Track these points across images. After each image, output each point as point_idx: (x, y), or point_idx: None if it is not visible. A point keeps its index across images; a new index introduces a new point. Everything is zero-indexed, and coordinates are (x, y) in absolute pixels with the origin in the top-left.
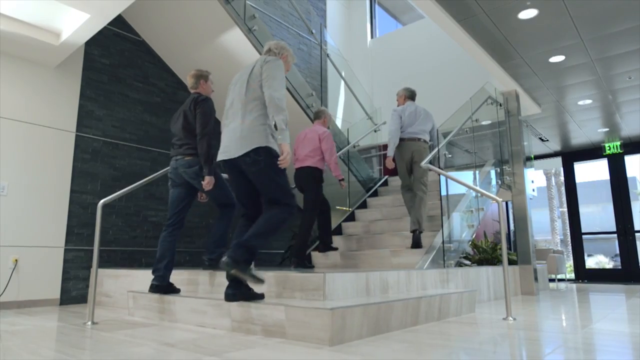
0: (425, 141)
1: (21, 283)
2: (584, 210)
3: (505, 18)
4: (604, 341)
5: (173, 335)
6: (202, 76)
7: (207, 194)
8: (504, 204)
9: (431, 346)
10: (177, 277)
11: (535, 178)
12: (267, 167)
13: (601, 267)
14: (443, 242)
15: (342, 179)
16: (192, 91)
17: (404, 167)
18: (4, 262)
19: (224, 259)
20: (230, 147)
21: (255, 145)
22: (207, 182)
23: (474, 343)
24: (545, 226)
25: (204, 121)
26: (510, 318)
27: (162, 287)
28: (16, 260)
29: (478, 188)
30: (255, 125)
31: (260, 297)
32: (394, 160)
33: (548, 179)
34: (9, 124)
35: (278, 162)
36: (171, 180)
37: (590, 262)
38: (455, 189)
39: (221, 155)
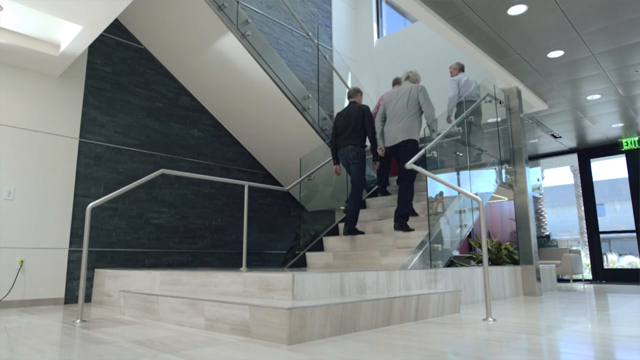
0: (476, 101)
1: (27, 283)
2: (615, 207)
3: (495, 14)
4: (564, 343)
5: (149, 333)
6: (359, 91)
7: (352, 173)
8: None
9: (388, 346)
10: (165, 277)
11: (555, 175)
12: (412, 151)
13: (634, 267)
14: (430, 242)
15: None
16: (349, 99)
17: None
18: (10, 263)
19: (396, 226)
20: (396, 138)
21: (409, 137)
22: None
23: (434, 343)
24: (574, 225)
25: (373, 127)
26: (490, 319)
27: (352, 230)
28: (22, 261)
29: (458, 187)
30: (411, 126)
31: (411, 230)
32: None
33: (575, 176)
34: (15, 132)
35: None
36: (342, 162)
37: (623, 262)
38: (447, 189)
39: (390, 143)
